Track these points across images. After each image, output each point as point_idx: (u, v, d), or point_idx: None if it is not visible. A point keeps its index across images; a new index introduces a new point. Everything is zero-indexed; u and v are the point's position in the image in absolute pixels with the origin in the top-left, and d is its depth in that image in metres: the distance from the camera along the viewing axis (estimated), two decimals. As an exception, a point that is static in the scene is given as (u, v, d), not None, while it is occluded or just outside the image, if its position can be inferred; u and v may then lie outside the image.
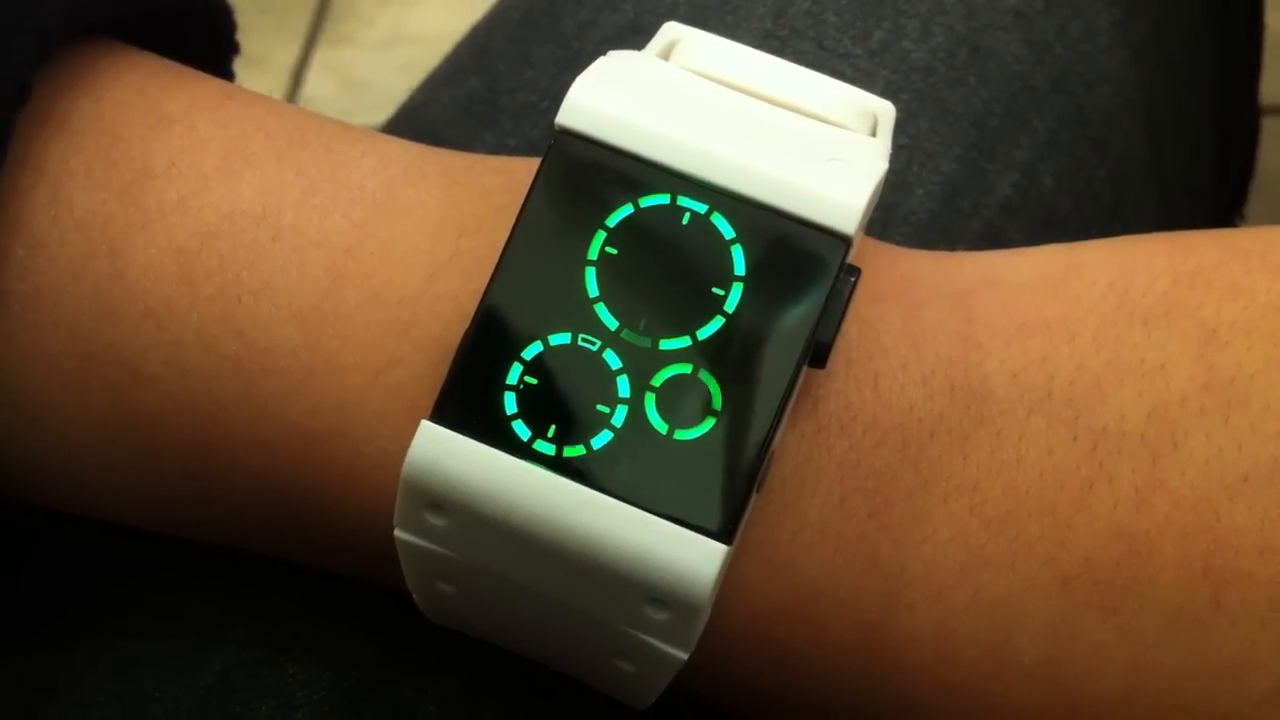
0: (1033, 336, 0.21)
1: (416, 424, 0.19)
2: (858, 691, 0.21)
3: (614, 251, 0.19)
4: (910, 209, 0.27)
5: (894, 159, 0.22)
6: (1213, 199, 0.36)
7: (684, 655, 0.19)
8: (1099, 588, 0.20)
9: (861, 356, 0.20)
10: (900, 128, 0.27)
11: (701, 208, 0.20)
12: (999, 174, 0.28)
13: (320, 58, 1.04)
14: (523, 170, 0.22)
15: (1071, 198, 0.29)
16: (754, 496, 0.19)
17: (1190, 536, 0.19)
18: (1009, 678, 0.20)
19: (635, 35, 0.29)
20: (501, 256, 0.20)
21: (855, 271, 0.20)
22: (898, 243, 0.23)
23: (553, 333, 0.19)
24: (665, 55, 0.22)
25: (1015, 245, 0.28)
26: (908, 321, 0.21)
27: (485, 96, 0.30)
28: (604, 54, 0.23)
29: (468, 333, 0.19)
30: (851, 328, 0.20)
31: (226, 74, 0.26)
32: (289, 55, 1.04)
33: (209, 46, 0.25)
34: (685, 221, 0.20)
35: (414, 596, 0.21)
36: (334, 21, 1.06)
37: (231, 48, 0.26)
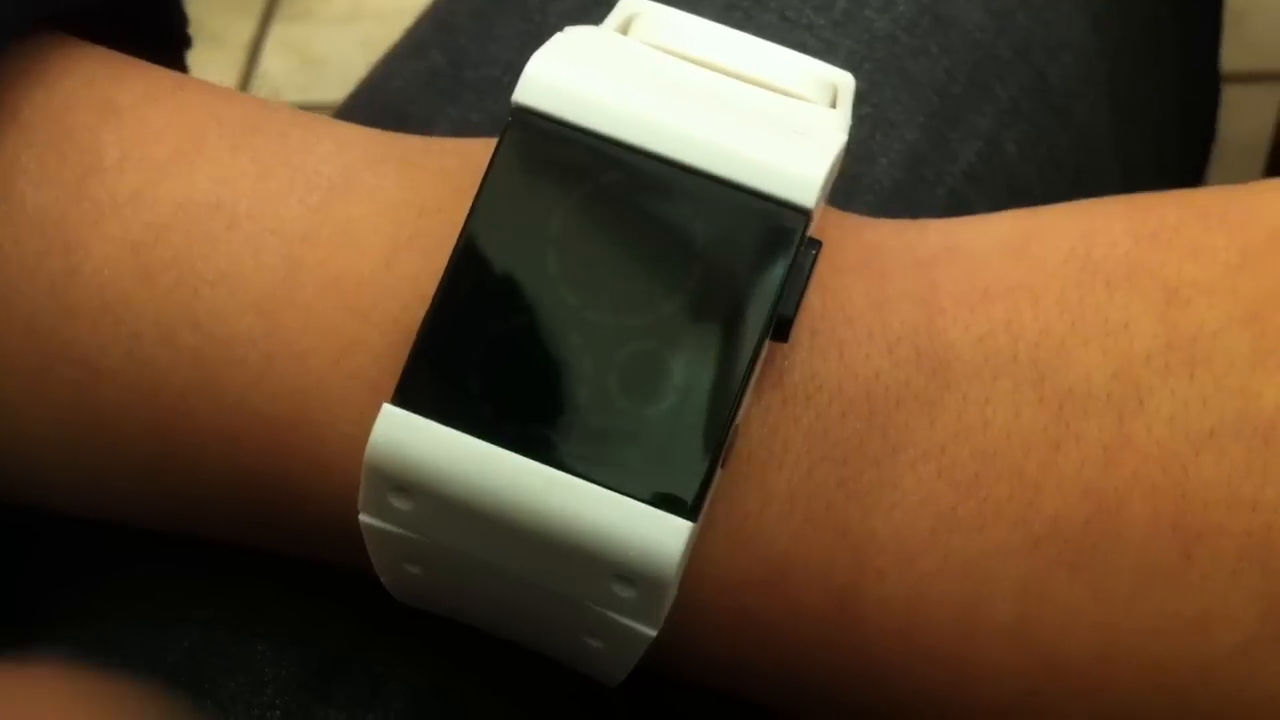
0: (997, 301, 0.21)
1: (376, 406, 0.19)
2: (831, 660, 0.21)
3: (574, 230, 0.19)
4: (874, 178, 0.27)
5: (857, 128, 0.22)
6: (1176, 171, 0.37)
7: (653, 632, 0.19)
8: (1069, 547, 0.20)
9: (826, 327, 0.20)
10: (863, 97, 0.27)
11: (661, 183, 0.19)
12: (962, 142, 0.28)
13: (277, 34, 1.04)
14: (481, 152, 0.22)
15: (1035, 165, 0.29)
16: (719, 471, 0.19)
17: (1158, 492, 0.19)
18: (981, 640, 0.20)
19: (600, 8, 0.29)
20: (461, 236, 0.19)
21: (816, 244, 0.20)
22: (862, 212, 0.23)
23: (514, 312, 0.19)
24: (624, 29, 0.22)
25: (979, 213, 0.28)
26: (871, 290, 0.21)
27: (448, 71, 0.30)
28: (566, 26, 0.23)
29: (428, 313, 0.19)
30: (815, 298, 0.20)
31: (179, 67, 0.25)
32: (245, 31, 1.03)
33: (160, 40, 0.25)
34: (645, 197, 0.19)
35: (381, 579, 0.21)
36: (291, -2, 1.05)
37: (183, 41, 0.25)
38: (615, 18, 0.22)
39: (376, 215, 0.21)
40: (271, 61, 1.02)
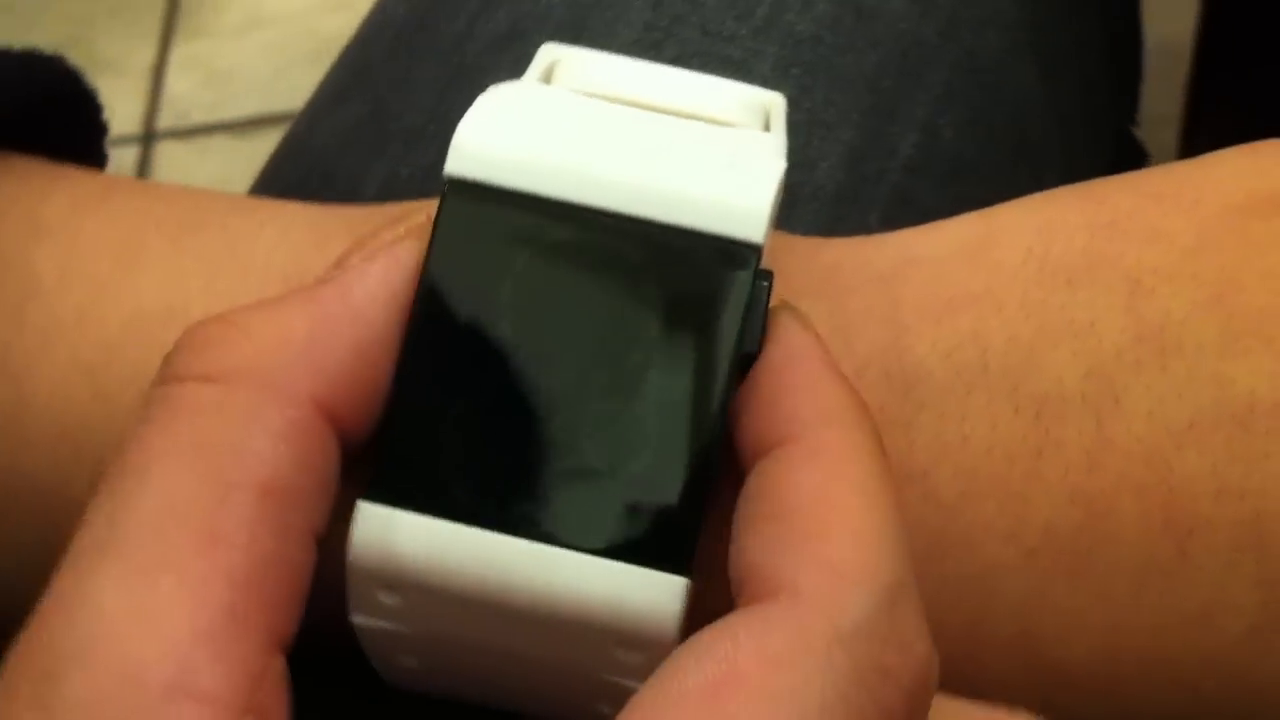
0: (960, 312, 0.20)
1: (351, 499, 0.19)
2: None
3: (525, 294, 0.19)
4: (817, 184, 0.27)
5: (793, 134, 0.22)
6: (1111, 114, 0.36)
7: None
8: (1064, 555, 0.20)
9: None
10: (795, 102, 0.26)
11: (606, 237, 0.19)
12: (900, 134, 0.28)
13: (178, 54, 1.02)
14: (421, 214, 0.21)
15: (974, 146, 0.29)
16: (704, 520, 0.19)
17: (1146, 490, 0.19)
18: (987, 657, 0.20)
19: (514, 42, 0.29)
20: (411, 318, 0.19)
21: (768, 275, 0.19)
22: (808, 220, 0.23)
23: (478, 386, 0.19)
24: (547, 78, 0.21)
25: (925, 204, 0.28)
26: (835, 313, 0.21)
27: (370, 122, 0.29)
28: (485, 64, 0.22)
29: (390, 401, 0.19)
30: None
31: (99, 157, 0.24)
32: (146, 55, 1.01)
33: (78, 133, 0.24)
34: (593, 253, 0.19)
35: (378, 671, 0.21)
36: (187, 15, 1.03)
37: (101, 129, 0.24)
38: (537, 67, 0.21)
39: None
40: (176, 83, 1.00)
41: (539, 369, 0.19)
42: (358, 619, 0.19)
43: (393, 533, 0.18)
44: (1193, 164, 0.22)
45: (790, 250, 0.21)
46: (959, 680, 0.20)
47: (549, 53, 0.21)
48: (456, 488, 0.19)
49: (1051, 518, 0.20)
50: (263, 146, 0.99)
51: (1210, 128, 0.68)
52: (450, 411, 0.19)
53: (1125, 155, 0.38)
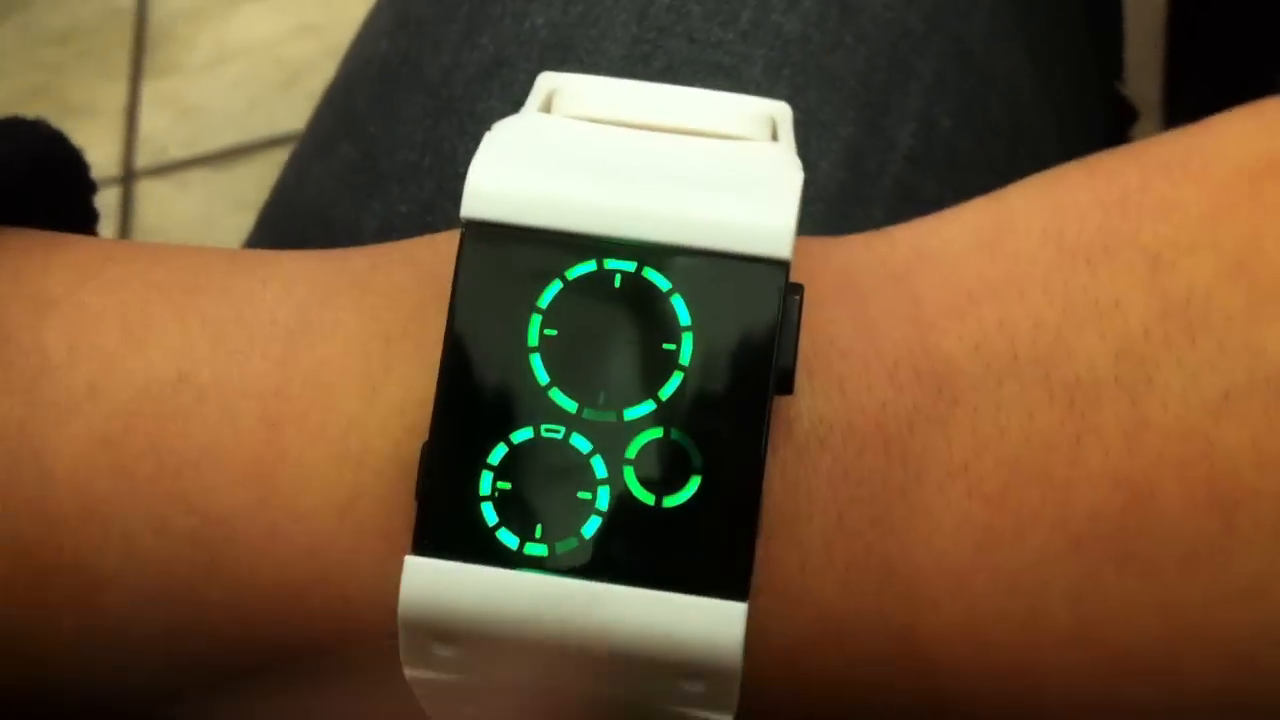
0: (983, 303, 0.20)
1: (394, 552, 0.19)
2: (899, 699, 0.20)
3: (554, 332, 0.19)
4: (819, 185, 0.27)
5: None
6: (1098, 78, 0.36)
7: (729, 717, 0.19)
8: (1111, 539, 0.19)
9: (821, 366, 0.20)
10: (790, 103, 0.26)
11: (630, 266, 0.19)
12: (897, 127, 0.28)
13: (149, 92, 1.01)
14: (428, 254, 0.21)
15: (971, 133, 0.29)
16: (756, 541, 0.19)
17: (1187, 467, 0.19)
18: (1046, 648, 0.20)
19: (501, 69, 0.29)
20: (442, 366, 0.19)
21: (798, 289, 0.19)
22: (813, 220, 0.23)
23: (513, 430, 0.19)
24: (546, 107, 0.21)
25: (929, 195, 0.27)
26: (857, 317, 0.20)
27: (362, 164, 0.29)
28: (474, 94, 0.22)
29: (426, 451, 0.19)
30: (803, 339, 0.20)
31: (90, 216, 0.24)
32: (117, 96, 1.01)
33: (67, 196, 0.24)
34: (618, 284, 0.19)
35: None
36: (154, 52, 1.03)
37: (89, 188, 0.24)
38: (536, 97, 0.21)
39: (344, 354, 0.20)
40: (150, 121, 1.00)
41: (573, 407, 0.19)
42: (412, 673, 0.19)
43: (441, 585, 0.18)
44: (1197, 130, 0.21)
45: (802, 254, 0.21)
46: (1019, 677, 0.20)
47: (547, 81, 0.21)
48: (501, 534, 0.18)
49: (1096, 503, 0.19)
50: (243, 176, 0.99)
51: (1190, 73, 0.68)
52: (488, 457, 0.19)
53: (1115, 115, 0.38)
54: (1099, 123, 0.34)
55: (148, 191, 0.98)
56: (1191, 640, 0.20)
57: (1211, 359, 0.19)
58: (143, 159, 0.99)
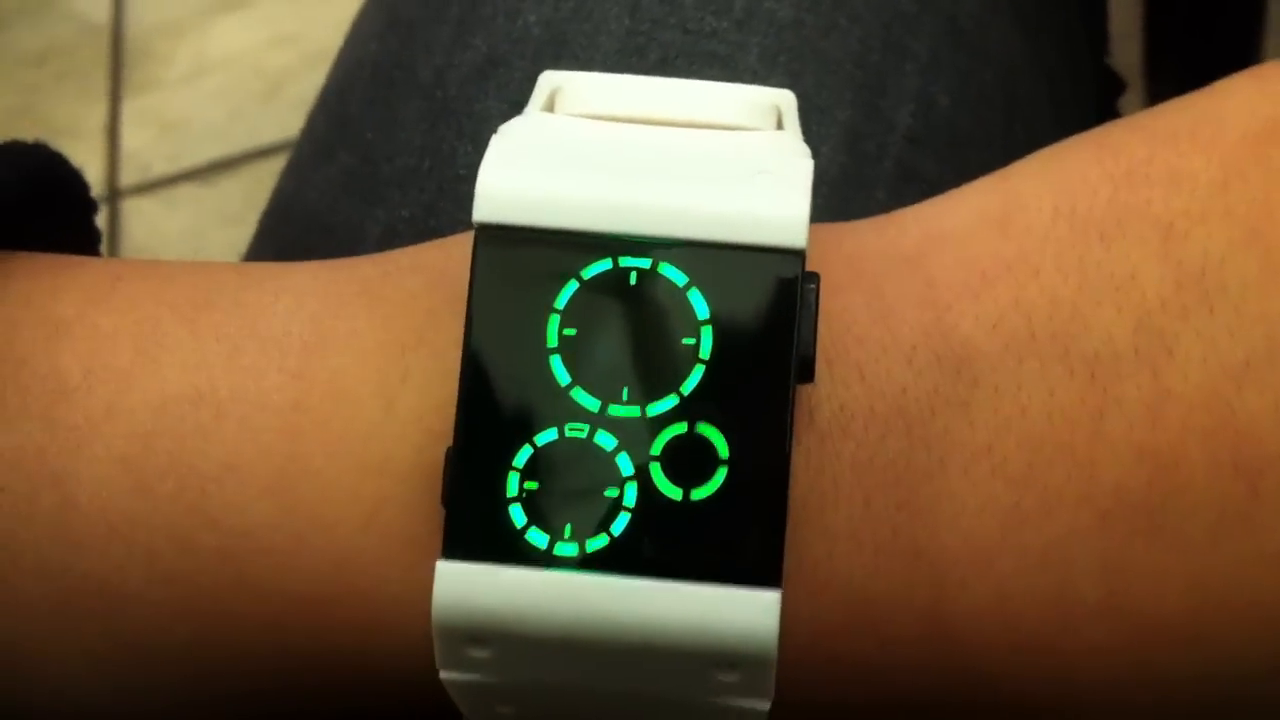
0: (998, 283, 0.20)
1: (422, 558, 0.19)
2: (931, 680, 0.21)
3: (573, 332, 0.19)
4: (820, 169, 0.27)
5: None
6: (1088, 55, 0.36)
7: (766, 704, 0.19)
8: (1138, 512, 0.19)
9: (839, 354, 0.20)
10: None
11: (645, 263, 0.19)
12: (895, 108, 0.28)
13: (130, 110, 1.01)
14: (438, 259, 0.21)
15: (969, 110, 0.29)
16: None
17: (1211, 436, 0.19)
18: (1077, 624, 0.20)
19: (496, 69, 0.28)
20: (463, 371, 0.19)
21: (814, 278, 0.19)
22: (816, 206, 0.23)
23: (538, 432, 0.19)
24: (550, 106, 0.21)
25: (930, 175, 0.27)
26: (872, 303, 0.20)
27: (361, 170, 0.29)
28: (470, 94, 0.22)
29: (452, 456, 0.19)
30: (821, 327, 0.20)
31: (93, 236, 0.24)
32: (98, 116, 1.00)
33: (69, 217, 0.24)
34: (634, 281, 0.19)
35: None
36: (132, 69, 1.02)
37: (90, 207, 0.24)
38: (539, 98, 0.21)
39: (360, 364, 0.20)
40: (132, 138, 1.00)
41: (596, 406, 0.19)
42: (447, 675, 0.19)
43: (474, 589, 0.18)
44: (1199, 97, 0.21)
45: (812, 242, 0.21)
46: (1050, 655, 0.20)
47: (549, 81, 0.21)
48: (532, 534, 0.18)
49: (1121, 477, 0.19)
50: (229, 190, 0.99)
51: (1171, 40, 0.68)
52: (514, 459, 0.19)
53: (1105, 88, 0.38)
54: (1090, 93, 0.34)
55: (135, 210, 0.98)
56: (1222, 608, 0.20)
57: (1230, 327, 0.19)
58: (127, 177, 0.98)
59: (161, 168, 0.98)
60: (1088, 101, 0.33)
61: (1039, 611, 0.20)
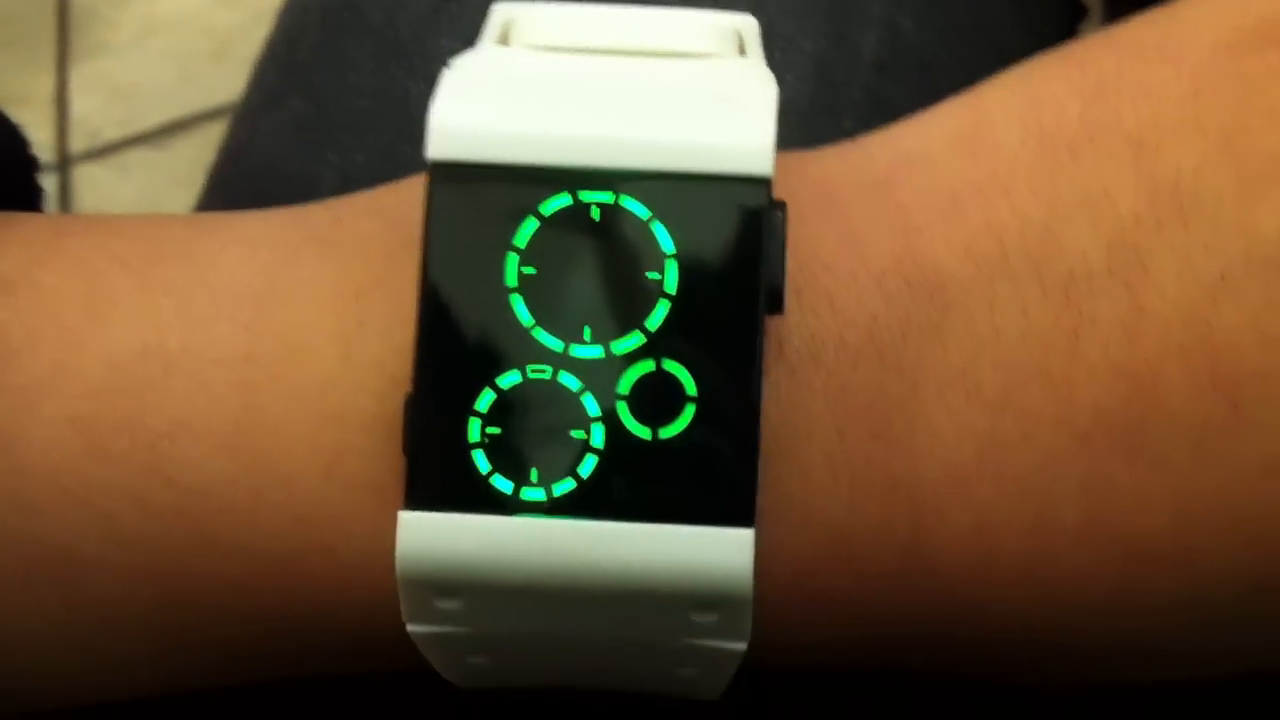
0: (968, 205, 0.20)
1: (387, 509, 0.18)
2: (913, 612, 0.20)
3: (533, 270, 0.18)
4: (786, 99, 0.26)
5: None
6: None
7: (743, 645, 0.19)
8: (1117, 432, 0.19)
9: (808, 282, 0.20)
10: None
11: (607, 197, 0.18)
12: (861, 35, 0.27)
13: (78, 75, 0.99)
14: (393, 203, 0.21)
15: (936, 34, 0.28)
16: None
17: (1188, 352, 0.19)
18: (1058, 549, 0.20)
19: (448, 5, 0.28)
20: (419, 314, 0.18)
21: (781, 206, 0.19)
22: (783, 136, 0.22)
23: (499, 375, 0.18)
24: (504, 40, 0.20)
25: (898, 103, 0.27)
26: (839, 230, 0.20)
27: (313, 116, 0.28)
28: (422, 34, 0.21)
29: (410, 402, 0.18)
30: (788, 256, 0.20)
31: (35, 194, 0.23)
32: (46, 84, 0.99)
33: (9, 173, 0.23)
34: (596, 216, 0.18)
35: (445, 676, 0.20)
36: (79, 34, 1.01)
37: (32, 164, 0.23)
38: (492, 31, 0.20)
39: (315, 312, 0.20)
40: (82, 104, 0.98)
41: (559, 345, 0.18)
42: (415, 628, 0.19)
43: (438, 538, 0.18)
44: (1169, 10, 0.21)
45: (777, 170, 0.20)
46: (1032, 578, 0.20)
47: (501, 13, 0.21)
48: (496, 480, 0.18)
49: (1099, 397, 0.19)
50: (182, 154, 0.97)
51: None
52: (475, 403, 0.18)
53: (1070, 11, 0.37)
54: (1061, 14, 0.34)
55: (86, 176, 0.96)
56: (1205, 527, 0.19)
57: (1205, 241, 0.19)
58: (77, 144, 0.97)
59: (111, 133, 0.97)
60: (1057, 23, 0.33)
61: (1019, 538, 0.19)
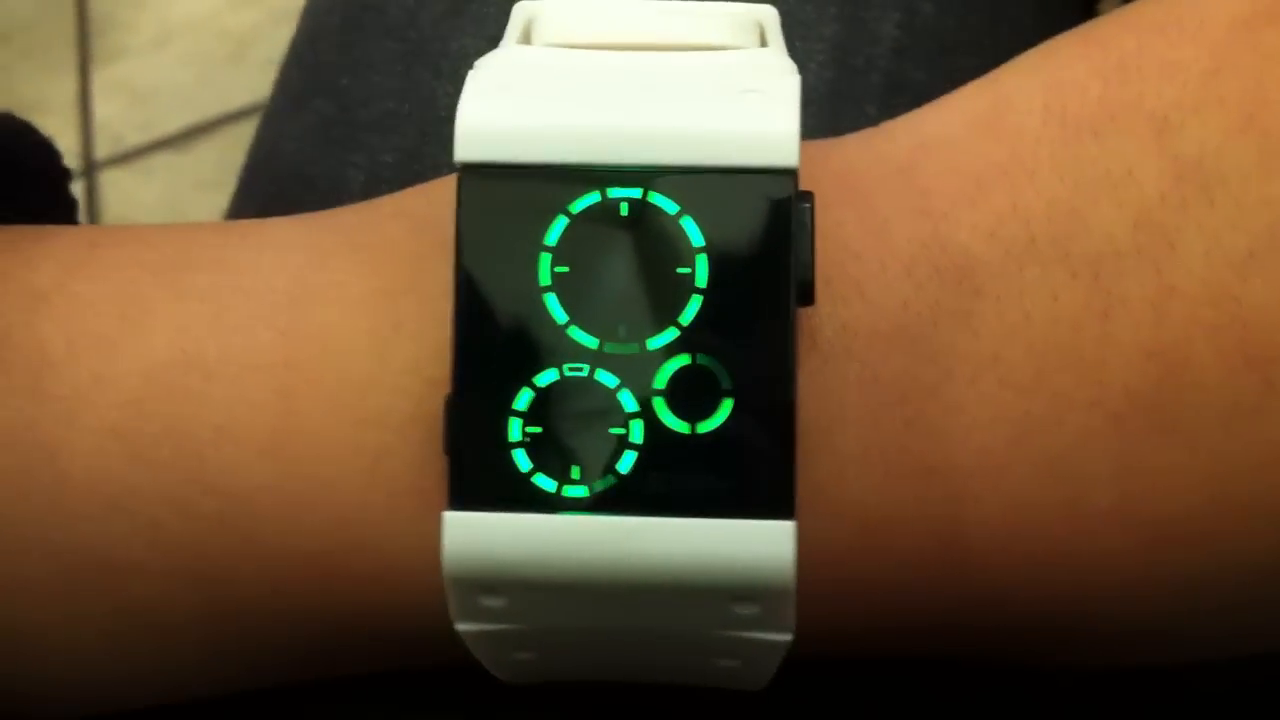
0: (993, 188, 0.20)
1: (428, 510, 0.18)
2: (949, 596, 0.20)
3: (565, 269, 0.18)
4: (808, 86, 0.26)
5: None
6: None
7: (788, 637, 0.19)
8: (1150, 413, 0.19)
9: (837, 272, 0.20)
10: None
11: (635, 193, 0.18)
12: (879, 19, 0.27)
13: (99, 80, 1.00)
14: (421, 204, 0.21)
15: (954, 17, 0.28)
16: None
17: (1219, 331, 0.19)
18: (1089, 529, 0.20)
19: (469, 4, 0.28)
20: (455, 315, 0.18)
21: (809, 197, 0.19)
22: (806, 124, 0.22)
23: (537, 373, 0.18)
24: (526, 38, 0.21)
25: (919, 86, 0.27)
26: (865, 218, 0.20)
27: (338, 117, 0.28)
28: (444, 33, 0.22)
29: (451, 403, 0.18)
30: (817, 246, 0.20)
31: (68, 205, 0.24)
32: (67, 89, 0.99)
33: (43, 187, 0.23)
34: (625, 212, 0.18)
35: (492, 672, 0.20)
36: (98, 39, 1.01)
37: (64, 175, 0.24)
38: (514, 30, 0.21)
39: (349, 315, 0.20)
40: (104, 109, 0.99)
41: (594, 343, 0.18)
42: (463, 626, 0.19)
43: (483, 537, 0.18)
44: None
45: (803, 158, 0.21)
46: (1066, 559, 0.20)
47: (523, 11, 0.21)
48: (538, 478, 0.18)
49: (1130, 378, 0.19)
50: (204, 157, 0.98)
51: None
52: (514, 403, 0.18)
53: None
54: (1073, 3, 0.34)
55: (111, 181, 0.97)
56: (1238, 504, 0.19)
57: (1231, 218, 0.19)
58: (101, 149, 0.97)
59: (134, 138, 0.97)
60: (1075, 1, 0.33)
61: (1053, 520, 0.19)
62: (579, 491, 0.18)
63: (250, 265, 0.20)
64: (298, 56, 0.32)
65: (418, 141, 0.28)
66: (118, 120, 0.98)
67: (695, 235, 0.18)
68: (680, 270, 0.18)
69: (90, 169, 0.97)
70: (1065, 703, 0.25)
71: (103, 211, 0.95)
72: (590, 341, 0.18)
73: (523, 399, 0.18)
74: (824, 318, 0.19)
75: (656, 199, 0.18)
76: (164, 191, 0.95)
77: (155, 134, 0.97)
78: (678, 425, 0.18)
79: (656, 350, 0.18)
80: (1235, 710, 0.25)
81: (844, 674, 0.23)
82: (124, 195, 0.96)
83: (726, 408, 0.18)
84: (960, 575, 0.20)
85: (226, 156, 0.95)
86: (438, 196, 0.21)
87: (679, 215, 0.18)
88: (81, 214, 0.24)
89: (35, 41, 1.02)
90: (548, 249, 0.18)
